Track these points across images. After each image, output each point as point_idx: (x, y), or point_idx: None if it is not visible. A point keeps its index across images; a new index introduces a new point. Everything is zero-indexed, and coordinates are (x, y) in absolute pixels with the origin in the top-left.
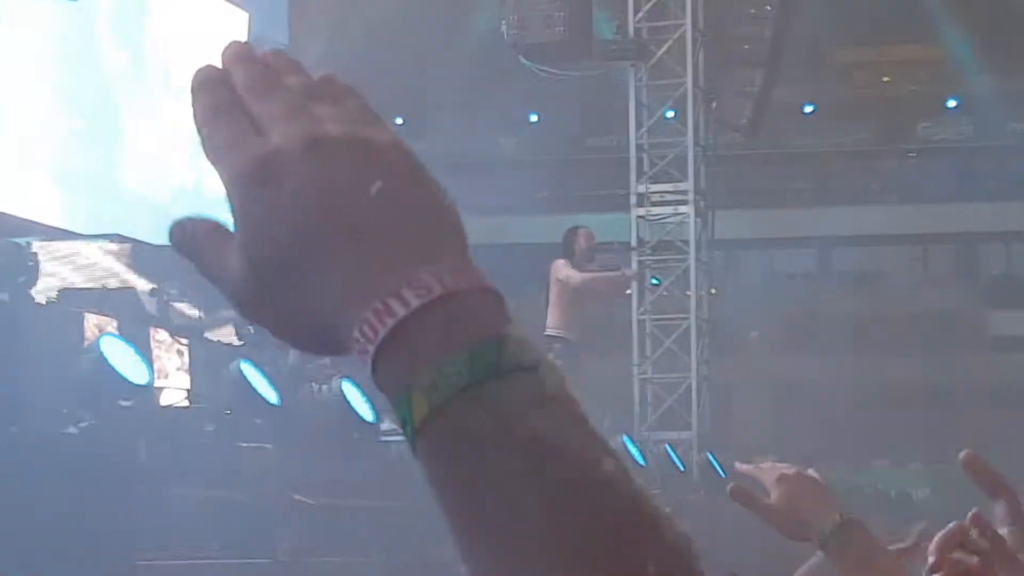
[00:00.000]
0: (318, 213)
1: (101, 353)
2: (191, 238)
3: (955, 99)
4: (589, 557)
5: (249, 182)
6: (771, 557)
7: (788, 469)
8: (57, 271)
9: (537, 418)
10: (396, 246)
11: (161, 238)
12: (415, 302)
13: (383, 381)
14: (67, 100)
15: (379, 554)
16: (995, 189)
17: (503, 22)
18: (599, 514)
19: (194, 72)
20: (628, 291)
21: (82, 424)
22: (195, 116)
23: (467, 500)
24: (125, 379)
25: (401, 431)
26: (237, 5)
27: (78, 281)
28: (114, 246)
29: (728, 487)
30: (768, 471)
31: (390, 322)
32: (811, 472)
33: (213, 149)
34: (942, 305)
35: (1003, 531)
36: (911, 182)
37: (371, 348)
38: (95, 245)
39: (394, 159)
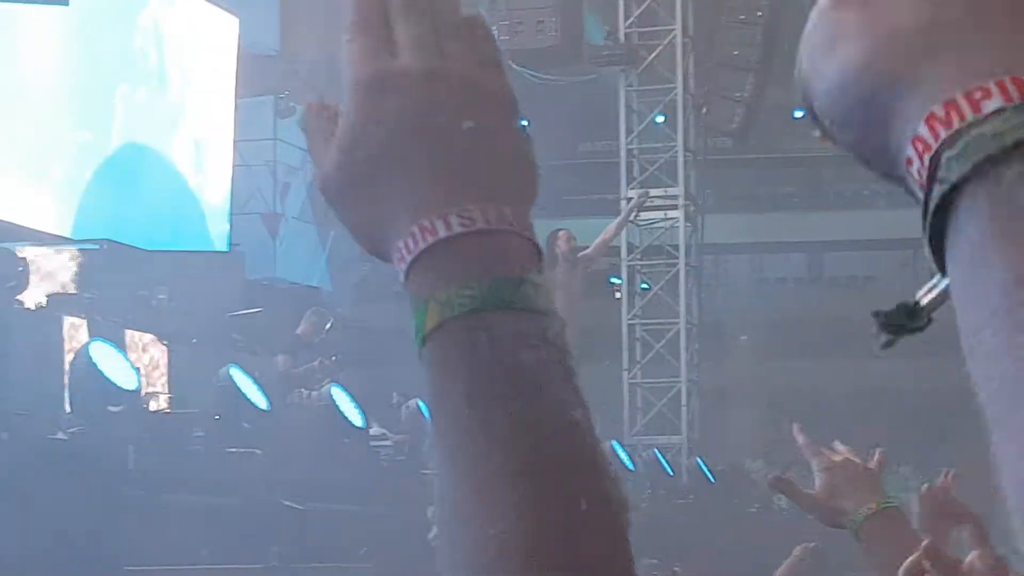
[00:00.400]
0: (410, 134)
1: (90, 358)
2: (308, 117)
3: None
4: (536, 481)
5: (367, 90)
6: (758, 560)
7: (837, 457)
8: (47, 276)
9: (528, 353)
10: (462, 179)
11: (153, 244)
12: (458, 229)
13: (411, 292)
14: (63, 107)
15: (368, 559)
16: None
17: (494, 27)
18: (557, 450)
19: None
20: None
21: (72, 430)
22: (351, 14)
23: (448, 409)
24: (114, 384)
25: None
26: (229, 11)
27: (68, 286)
28: (105, 251)
29: (769, 478)
30: (827, 463)
31: (430, 239)
32: (848, 455)
33: (348, 53)
34: None
35: (972, 554)
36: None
37: (408, 258)
38: (86, 250)
39: (495, 107)
